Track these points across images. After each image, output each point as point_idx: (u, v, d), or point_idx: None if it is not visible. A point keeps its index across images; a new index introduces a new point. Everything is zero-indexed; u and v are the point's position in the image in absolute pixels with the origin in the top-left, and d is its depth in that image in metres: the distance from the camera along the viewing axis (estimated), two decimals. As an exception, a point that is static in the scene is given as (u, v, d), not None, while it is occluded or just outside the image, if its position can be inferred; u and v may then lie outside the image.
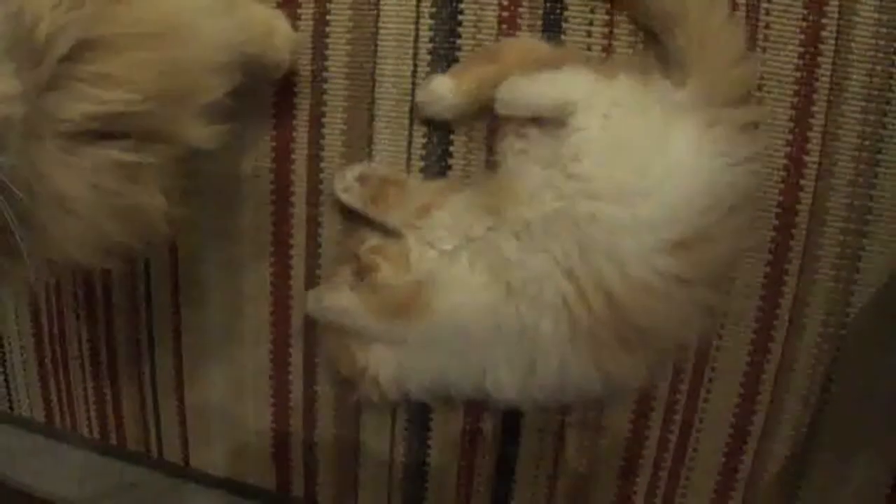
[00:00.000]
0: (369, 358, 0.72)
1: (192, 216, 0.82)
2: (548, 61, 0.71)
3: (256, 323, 0.88)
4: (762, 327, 0.78)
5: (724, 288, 0.72)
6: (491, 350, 0.70)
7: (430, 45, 0.75)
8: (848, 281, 0.76)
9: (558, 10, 0.73)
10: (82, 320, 0.95)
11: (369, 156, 0.79)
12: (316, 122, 0.79)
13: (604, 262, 0.64)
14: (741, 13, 0.70)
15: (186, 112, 0.52)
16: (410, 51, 0.76)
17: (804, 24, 0.70)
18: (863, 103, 0.71)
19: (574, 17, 0.73)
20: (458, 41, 0.75)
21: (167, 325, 0.91)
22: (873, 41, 0.70)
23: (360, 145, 0.79)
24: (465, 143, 0.77)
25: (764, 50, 0.71)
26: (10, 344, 1.03)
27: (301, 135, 0.80)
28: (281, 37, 0.70)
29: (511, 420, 0.85)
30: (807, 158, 0.73)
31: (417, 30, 0.75)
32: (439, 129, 0.78)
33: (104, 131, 0.48)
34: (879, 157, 0.73)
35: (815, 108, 0.72)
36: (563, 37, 0.73)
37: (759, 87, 0.72)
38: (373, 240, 0.74)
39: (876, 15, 0.69)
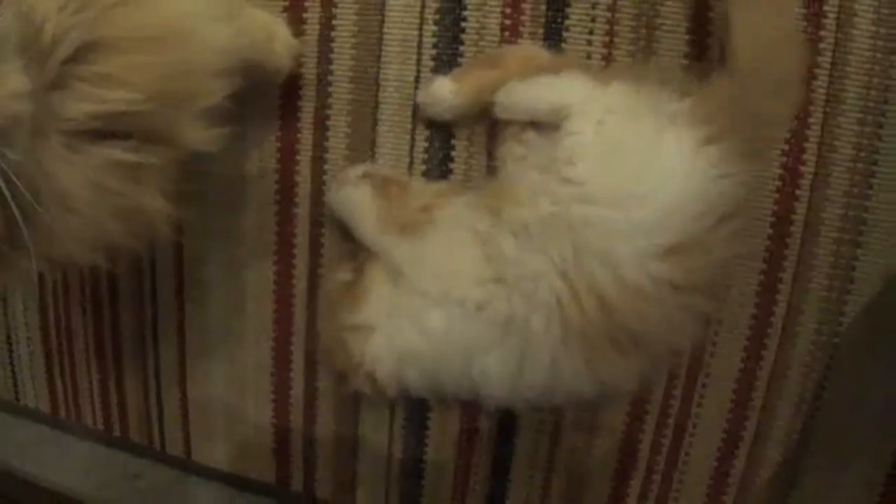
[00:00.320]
0: (365, 353, 0.73)
1: (196, 216, 0.85)
2: (548, 68, 0.72)
3: (259, 321, 0.89)
4: (756, 334, 0.79)
5: (717, 295, 0.73)
6: (475, 322, 0.70)
7: (433, 51, 0.77)
8: (841, 290, 0.77)
9: (559, 19, 0.74)
10: (88, 314, 0.97)
11: (372, 158, 0.80)
12: (320, 125, 0.80)
13: (597, 265, 0.65)
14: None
15: (187, 115, 0.53)
16: (414, 56, 0.77)
17: (802, 35, 0.71)
18: (859, 115, 0.72)
19: (575, 26, 0.74)
20: (461, 47, 0.76)
21: (171, 321, 0.92)
22: (871, 53, 0.70)
23: (364, 148, 0.80)
24: (467, 147, 0.79)
25: (762, 60, 0.72)
26: (16, 336, 1.04)
27: (306, 137, 0.81)
28: (280, 43, 0.71)
29: (507, 420, 0.86)
30: (803, 168, 0.74)
31: (421, 35, 0.76)
32: (441, 134, 0.79)
33: (107, 131, 0.49)
34: (875, 168, 0.73)
35: (811, 120, 0.73)
36: (563, 45, 0.74)
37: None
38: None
39: (874, 28, 0.70)
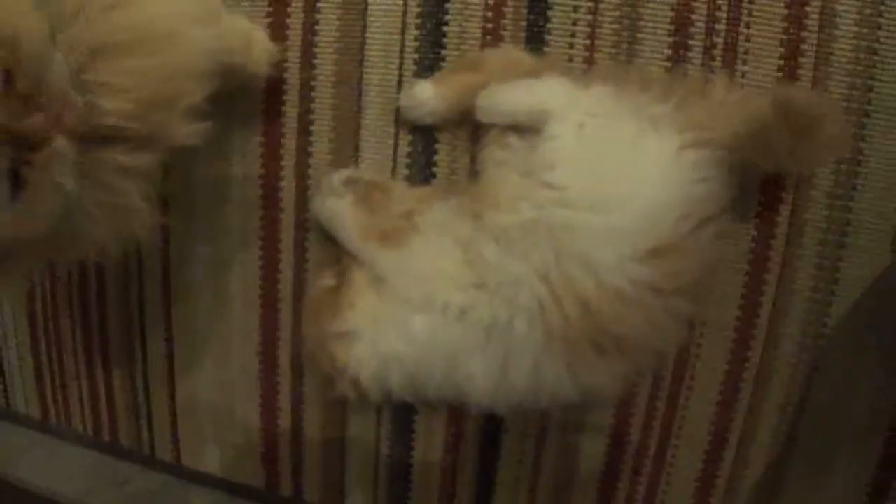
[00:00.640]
0: (349, 359, 0.73)
1: (182, 221, 0.85)
2: (530, 72, 0.72)
3: (245, 325, 0.89)
4: (741, 337, 0.79)
5: (700, 298, 0.73)
6: (457, 327, 0.70)
7: (415, 56, 0.77)
8: (826, 292, 0.77)
9: (541, 23, 0.74)
10: (77, 321, 0.97)
11: (356, 163, 0.80)
12: (304, 130, 0.81)
13: (578, 269, 0.65)
14: (721, 26, 0.71)
15: (173, 115, 0.54)
16: (396, 61, 0.77)
17: (784, 37, 0.71)
18: (843, 116, 0.72)
19: (556, 30, 0.74)
20: (443, 52, 0.76)
21: (159, 325, 0.92)
22: (853, 54, 0.70)
23: (347, 152, 0.80)
24: (450, 151, 0.79)
25: (744, 62, 0.72)
26: (6, 341, 1.05)
27: (289, 141, 0.81)
28: (258, 49, 0.72)
29: (493, 424, 0.87)
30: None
31: (403, 40, 0.77)
32: (424, 138, 0.79)
33: (107, 136, 0.50)
34: (859, 169, 0.73)
35: (794, 121, 0.73)
36: (545, 49, 0.74)
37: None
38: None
39: (856, 28, 0.70)
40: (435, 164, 0.79)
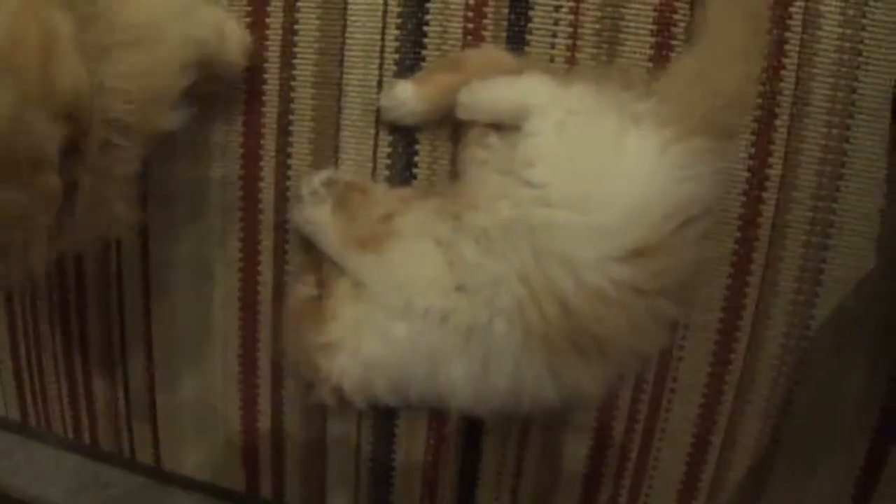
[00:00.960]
0: (332, 368, 0.72)
1: (162, 223, 0.84)
2: (511, 71, 0.72)
3: (225, 327, 0.88)
4: (723, 339, 0.79)
5: (682, 300, 0.72)
6: (438, 332, 0.70)
7: (396, 56, 0.76)
8: (810, 294, 0.76)
9: (522, 22, 0.73)
10: (56, 323, 0.96)
11: (336, 164, 0.80)
12: (283, 131, 0.80)
13: (558, 269, 0.64)
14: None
15: (160, 109, 0.55)
16: (377, 61, 0.76)
17: (768, 37, 0.70)
18: (826, 117, 0.72)
19: (538, 29, 0.73)
20: (424, 52, 0.75)
21: (139, 328, 0.92)
22: (837, 55, 0.70)
23: (327, 153, 0.80)
24: (430, 152, 0.78)
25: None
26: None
27: (269, 142, 0.81)
28: (233, 39, 0.72)
29: (475, 426, 0.86)
30: (769, 171, 0.74)
31: (384, 40, 0.76)
32: (404, 139, 0.78)
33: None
34: (842, 170, 0.73)
35: (777, 122, 0.72)
36: (526, 48, 0.74)
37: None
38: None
39: (839, 29, 0.70)
40: (415, 165, 0.78)
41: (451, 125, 0.76)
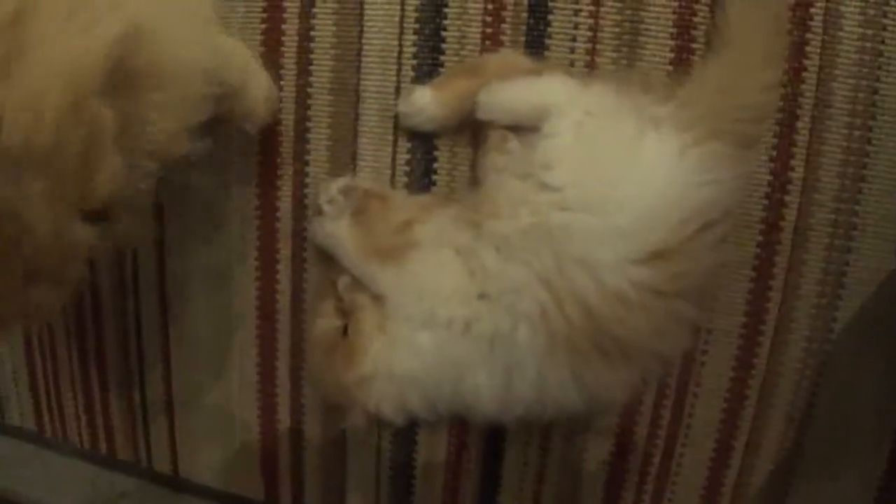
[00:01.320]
0: (369, 398, 0.71)
1: (178, 233, 0.84)
2: (530, 73, 0.71)
3: (243, 336, 0.88)
4: (746, 343, 0.78)
5: (703, 302, 0.72)
6: (463, 340, 0.69)
7: (413, 62, 0.75)
8: (833, 297, 0.76)
9: (542, 27, 0.73)
10: (72, 332, 0.96)
11: (354, 171, 0.79)
12: (300, 138, 0.79)
13: (579, 272, 0.64)
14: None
15: (184, 137, 0.54)
16: (394, 67, 0.76)
17: (789, 38, 0.70)
18: (848, 118, 0.71)
19: (557, 34, 0.73)
20: (442, 57, 0.75)
21: (156, 338, 0.91)
22: (858, 56, 0.70)
23: (345, 161, 0.79)
24: (449, 158, 0.77)
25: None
26: (-1, 354, 1.04)
27: (286, 150, 0.80)
28: (256, 79, 0.70)
29: (496, 434, 0.86)
30: (791, 174, 0.73)
31: (401, 46, 0.75)
32: (423, 146, 0.78)
33: None
34: (864, 172, 0.72)
35: (799, 124, 0.72)
36: (546, 53, 0.73)
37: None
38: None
39: (860, 30, 0.69)
40: (434, 172, 0.78)
41: (470, 131, 0.75)
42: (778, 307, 0.77)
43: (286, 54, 0.77)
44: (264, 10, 0.76)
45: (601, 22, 0.72)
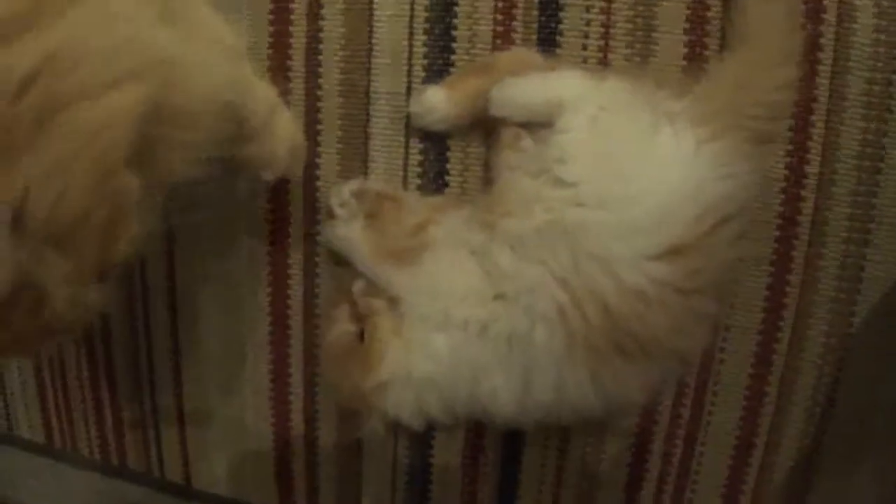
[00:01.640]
0: (387, 404, 0.71)
1: (188, 238, 0.83)
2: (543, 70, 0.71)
3: (255, 341, 0.87)
4: (765, 340, 0.78)
5: (722, 298, 0.71)
6: (479, 342, 0.69)
7: (424, 62, 0.75)
8: (851, 291, 0.75)
9: (553, 24, 0.72)
10: (79, 341, 0.95)
11: (366, 173, 0.78)
12: (311, 141, 0.78)
13: (597, 269, 0.63)
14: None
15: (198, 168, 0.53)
16: (405, 67, 0.75)
17: (803, 31, 0.69)
18: (863, 111, 0.71)
19: (569, 31, 0.72)
20: (453, 57, 0.74)
21: (165, 346, 0.90)
22: (872, 49, 0.69)
23: (356, 163, 0.78)
24: (462, 159, 0.77)
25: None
26: (7, 365, 1.02)
27: (297, 153, 0.79)
28: (282, 123, 0.66)
29: (513, 436, 0.85)
30: (807, 168, 0.73)
31: (411, 46, 0.75)
32: (435, 146, 0.77)
33: None
34: (881, 164, 0.72)
35: (814, 118, 0.72)
36: (558, 50, 0.73)
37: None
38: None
39: (875, 21, 0.69)
40: (447, 173, 0.77)
41: (482, 131, 0.75)
42: (796, 302, 0.76)
43: (294, 56, 0.76)
44: (271, 12, 0.76)
45: (613, 18, 0.71)
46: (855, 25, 0.69)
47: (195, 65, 0.49)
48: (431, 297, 0.70)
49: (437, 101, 0.73)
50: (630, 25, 0.71)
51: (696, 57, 0.71)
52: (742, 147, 0.66)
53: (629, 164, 0.65)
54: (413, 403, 0.71)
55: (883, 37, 0.69)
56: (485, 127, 0.74)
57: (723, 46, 0.71)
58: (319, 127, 0.78)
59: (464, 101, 0.73)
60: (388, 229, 0.73)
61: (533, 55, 0.73)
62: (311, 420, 0.89)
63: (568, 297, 0.65)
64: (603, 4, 0.71)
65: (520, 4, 0.72)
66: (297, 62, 0.76)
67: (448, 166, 0.77)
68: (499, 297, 0.68)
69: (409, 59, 0.75)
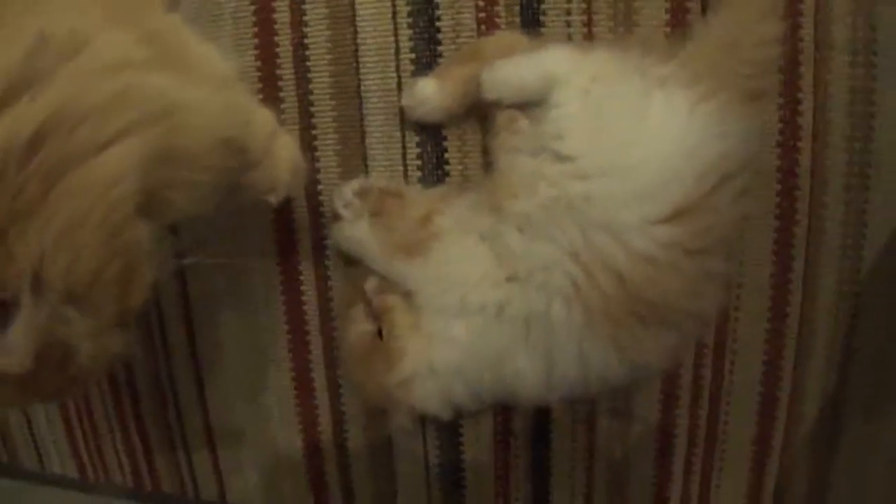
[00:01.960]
0: (413, 398, 0.71)
1: (198, 253, 0.82)
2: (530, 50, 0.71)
3: (275, 352, 0.87)
4: (778, 293, 0.78)
5: (732, 256, 0.72)
6: (498, 325, 0.69)
7: (411, 55, 0.75)
8: (857, 236, 0.76)
9: (535, 4, 0.73)
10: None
11: (366, 172, 0.79)
12: (308, 146, 0.79)
13: (606, 239, 0.64)
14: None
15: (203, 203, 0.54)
16: (393, 63, 0.76)
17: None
18: (849, 57, 0.72)
19: (552, 10, 0.73)
20: (439, 47, 0.75)
21: (187, 366, 0.90)
22: (853, -5, 0.70)
23: (356, 163, 0.79)
24: (460, 147, 0.77)
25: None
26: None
27: (296, 160, 0.80)
28: (280, 146, 0.65)
29: (541, 417, 0.85)
30: (800, 120, 0.73)
31: (397, 41, 0.75)
32: (432, 137, 0.77)
33: None
34: (873, 109, 0.72)
35: (802, 69, 0.72)
36: (542, 30, 0.73)
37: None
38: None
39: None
40: (446, 163, 0.78)
41: (477, 117, 0.75)
42: (804, 253, 0.77)
43: (283, 65, 0.77)
44: (255, 25, 0.76)
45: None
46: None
47: (194, 107, 0.49)
48: (445, 286, 0.71)
49: (429, 92, 0.74)
50: (611, -3, 0.72)
51: (679, 22, 0.72)
52: (734, 105, 0.66)
53: (626, 132, 0.65)
54: (439, 394, 0.71)
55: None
56: (479, 113, 0.74)
57: (705, 9, 0.71)
58: (315, 132, 0.78)
59: (455, 89, 0.73)
60: (395, 224, 0.74)
61: (518, 37, 0.73)
62: (339, 423, 0.89)
63: (580, 271, 0.65)
64: (583, -21, 0.72)
65: (500, -12, 0.73)
66: (286, 71, 0.77)
67: (447, 155, 0.77)
68: (512, 278, 0.69)
69: (397, 54, 0.75)
